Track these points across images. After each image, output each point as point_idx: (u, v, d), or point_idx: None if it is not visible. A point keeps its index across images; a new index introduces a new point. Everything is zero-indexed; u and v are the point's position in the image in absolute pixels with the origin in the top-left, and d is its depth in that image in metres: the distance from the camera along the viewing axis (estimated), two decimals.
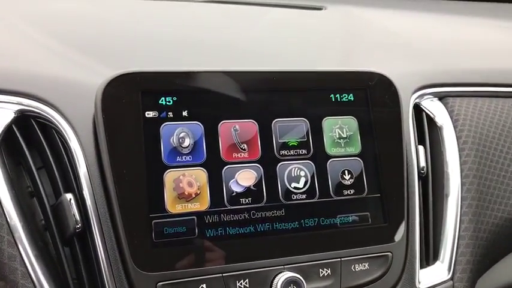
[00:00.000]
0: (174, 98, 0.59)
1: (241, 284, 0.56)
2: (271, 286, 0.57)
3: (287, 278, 0.56)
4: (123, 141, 0.56)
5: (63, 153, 0.58)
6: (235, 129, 0.61)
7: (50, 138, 0.59)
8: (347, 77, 0.66)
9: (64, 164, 0.58)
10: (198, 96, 0.60)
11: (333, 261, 0.60)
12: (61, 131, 0.58)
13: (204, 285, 0.55)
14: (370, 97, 0.66)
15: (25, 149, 0.58)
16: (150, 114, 0.58)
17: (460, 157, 0.73)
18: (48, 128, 0.60)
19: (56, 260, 0.56)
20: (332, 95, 0.65)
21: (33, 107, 0.59)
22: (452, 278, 0.67)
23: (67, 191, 0.57)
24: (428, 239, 0.69)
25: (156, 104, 0.58)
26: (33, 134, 0.59)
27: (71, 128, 0.58)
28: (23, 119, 0.59)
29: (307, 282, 0.57)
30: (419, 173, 0.70)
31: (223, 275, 0.56)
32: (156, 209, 0.55)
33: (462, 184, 0.71)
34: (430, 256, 0.69)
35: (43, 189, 0.58)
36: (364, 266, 0.61)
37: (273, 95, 0.63)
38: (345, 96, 0.66)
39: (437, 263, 0.68)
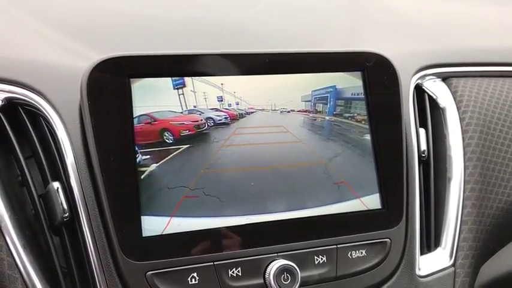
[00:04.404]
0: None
1: (233, 272, 0.55)
2: (264, 274, 0.55)
3: (280, 266, 0.55)
4: (109, 128, 0.54)
5: (51, 141, 0.57)
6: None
7: (38, 126, 0.58)
8: (344, 58, 0.64)
9: (52, 152, 0.57)
10: (187, 78, 0.58)
11: (329, 248, 0.58)
12: (48, 118, 0.57)
13: (195, 274, 0.54)
14: (368, 78, 0.64)
15: (13, 137, 0.57)
16: None
17: (463, 139, 0.70)
18: (36, 116, 0.58)
19: (45, 249, 0.55)
20: None
21: (20, 94, 0.57)
22: (454, 265, 0.65)
23: (55, 180, 0.56)
24: (430, 225, 0.67)
25: None
26: (21, 122, 0.58)
27: (58, 115, 0.57)
28: (10, 106, 0.58)
29: (302, 270, 0.56)
30: (419, 156, 0.68)
31: (215, 263, 0.54)
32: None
33: (465, 167, 0.69)
34: (431, 242, 0.67)
35: (31, 178, 0.56)
36: (361, 253, 0.59)
37: (266, 77, 0.61)
38: None
39: (439, 249, 0.66)
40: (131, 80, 0.55)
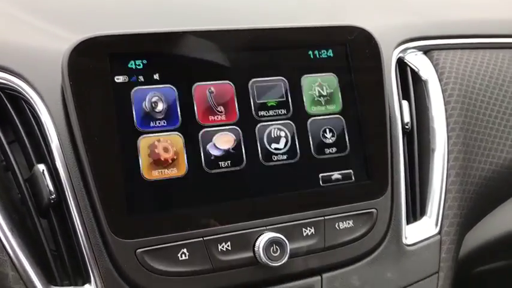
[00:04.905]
0: (144, 61, 0.57)
1: (223, 247, 0.55)
2: (253, 248, 0.56)
3: (269, 238, 0.56)
4: (93, 109, 0.54)
5: (34, 125, 0.57)
6: (211, 91, 0.59)
7: (20, 110, 0.58)
8: (325, 32, 0.64)
9: (36, 136, 0.57)
10: (169, 58, 0.57)
11: (316, 220, 0.59)
12: (30, 102, 0.56)
13: (185, 250, 0.54)
14: (350, 52, 0.64)
15: None
16: (119, 79, 0.55)
17: (446, 110, 0.71)
18: (18, 100, 0.58)
19: (33, 232, 0.55)
20: (310, 52, 0.63)
21: (1, 79, 0.57)
22: (439, 233, 0.66)
23: (40, 163, 0.55)
24: (415, 195, 0.68)
25: (126, 68, 0.56)
26: (3, 108, 0.58)
27: (40, 98, 0.56)
28: None
29: (291, 242, 0.56)
30: (403, 128, 0.69)
31: (204, 238, 0.55)
32: (131, 176, 0.54)
33: (448, 138, 0.70)
34: (416, 212, 0.68)
35: (15, 162, 0.56)
36: (349, 223, 0.60)
37: (248, 54, 0.61)
38: (323, 52, 0.64)
39: (424, 218, 0.67)
40: (111, 58, 0.55)
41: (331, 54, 0.64)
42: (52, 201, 0.54)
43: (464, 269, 1.04)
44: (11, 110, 0.57)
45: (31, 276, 0.52)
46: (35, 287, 0.51)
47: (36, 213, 0.55)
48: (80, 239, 0.53)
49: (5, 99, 0.57)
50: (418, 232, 0.66)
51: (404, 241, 0.64)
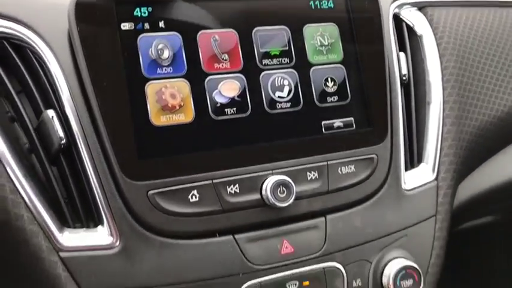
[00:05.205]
0: (150, 9, 0.57)
1: (231, 189, 0.57)
2: (261, 190, 0.58)
3: (276, 180, 0.57)
4: (101, 56, 0.55)
5: (42, 73, 0.57)
6: (215, 40, 0.60)
7: (26, 60, 0.58)
8: None
9: (43, 84, 0.57)
10: (174, 6, 0.58)
11: (320, 165, 0.61)
12: (37, 50, 0.57)
13: (195, 192, 0.56)
14: (350, 3, 0.66)
15: (2, 73, 0.57)
16: (125, 26, 0.56)
17: (441, 63, 0.73)
18: (23, 49, 0.58)
19: (44, 180, 0.56)
20: (311, 2, 0.64)
21: (6, 27, 0.57)
22: (436, 178, 0.69)
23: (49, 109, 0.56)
24: (413, 143, 0.71)
25: (131, 15, 0.56)
26: (8, 58, 0.58)
27: (48, 46, 0.56)
28: None
29: (296, 185, 0.58)
30: (401, 79, 0.70)
31: (213, 181, 0.56)
32: (140, 121, 0.55)
33: (443, 89, 0.72)
34: (414, 159, 0.70)
35: (25, 111, 0.57)
36: (351, 168, 0.62)
37: (251, 3, 0.62)
38: (324, 2, 0.65)
39: (422, 165, 0.70)
40: (117, 6, 0.56)
41: (332, 5, 0.65)
42: (62, 146, 0.55)
43: (454, 224, 1.08)
44: (17, 60, 0.57)
45: (45, 218, 0.53)
46: (49, 228, 0.53)
47: (47, 159, 0.56)
48: (92, 183, 0.54)
49: (10, 49, 0.58)
50: (416, 178, 0.68)
51: (403, 186, 0.66)
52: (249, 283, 0.56)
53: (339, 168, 0.62)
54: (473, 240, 1.24)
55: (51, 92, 0.56)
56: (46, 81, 0.57)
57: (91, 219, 0.56)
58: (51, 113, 0.55)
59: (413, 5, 0.77)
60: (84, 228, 0.55)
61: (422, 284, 0.62)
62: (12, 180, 0.53)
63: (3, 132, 0.55)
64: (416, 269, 0.61)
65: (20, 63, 0.57)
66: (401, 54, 0.72)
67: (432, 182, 0.68)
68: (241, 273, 0.56)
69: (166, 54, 0.58)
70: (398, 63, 0.71)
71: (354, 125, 0.64)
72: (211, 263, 0.56)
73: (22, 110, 0.56)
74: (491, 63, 0.78)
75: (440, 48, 0.74)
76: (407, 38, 0.75)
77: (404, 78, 0.71)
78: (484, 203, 0.90)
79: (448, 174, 0.69)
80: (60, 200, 0.55)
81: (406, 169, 0.68)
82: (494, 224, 1.18)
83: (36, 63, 0.57)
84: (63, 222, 0.55)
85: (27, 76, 0.57)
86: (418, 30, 0.76)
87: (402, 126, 0.68)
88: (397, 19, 0.75)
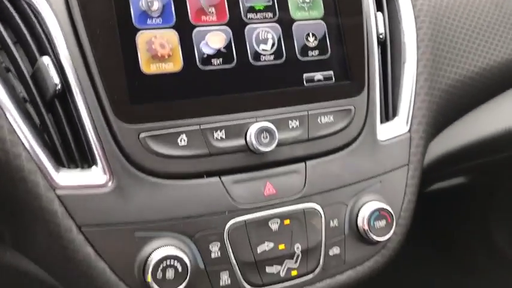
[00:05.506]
0: None
1: (217, 135, 0.61)
2: (245, 136, 0.62)
3: (260, 127, 0.61)
4: (94, 5, 0.57)
5: (37, 23, 0.59)
6: None
7: (21, 12, 0.60)
8: None
9: (38, 34, 0.59)
10: None
11: (301, 115, 0.65)
12: (32, 2, 0.59)
13: (184, 136, 0.59)
14: None
15: None
16: None
17: (416, 23, 0.78)
18: (18, 1, 0.60)
19: (40, 126, 0.59)
20: None
21: None
22: (409, 131, 0.73)
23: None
24: (388, 99, 0.75)
25: None
26: (2, 10, 0.60)
27: None
28: None
29: (279, 132, 0.62)
30: (378, 37, 0.74)
31: (201, 127, 0.60)
32: (132, 69, 0.58)
33: (418, 48, 0.76)
34: (389, 113, 0.75)
35: (21, 60, 0.59)
36: (329, 118, 0.66)
37: None
38: None
39: (396, 118, 0.74)
40: None
41: None
42: (57, 92, 0.58)
43: (426, 183, 1.14)
44: (12, 10, 0.59)
45: (41, 158, 0.56)
46: (45, 167, 0.56)
47: (43, 105, 0.58)
48: (86, 126, 0.57)
49: (4, 0, 0.59)
50: (391, 130, 0.73)
51: (379, 137, 0.71)
52: (234, 220, 0.60)
53: (319, 118, 0.66)
54: (445, 201, 1.31)
55: (46, 41, 0.59)
56: (41, 31, 0.59)
57: (85, 161, 0.59)
58: (46, 59, 0.58)
59: None
60: (79, 169, 0.58)
61: (394, 225, 0.67)
62: (10, 122, 0.55)
63: (0, 78, 0.57)
64: (389, 211, 0.66)
65: (15, 14, 0.59)
66: (379, 14, 0.76)
67: (405, 134, 0.73)
68: (227, 211, 0.60)
69: (156, 5, 0.60)
70: (375, 22, 0.75)
71: (333, 78, 0.68)
72: (199, 202, 0.60)
73: (18, 59, 0.59)
74: (464, 26, 0.83)
75: (415, 10, 0.78)
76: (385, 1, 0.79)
77: (381, 36, 0.75)
78: (455, 160, 0.96)
79: (420, 126, 0.74)
80: (55, 143, 0.58)
81: (382, 122, 0.73)
82: (465, 185, 1.24)
83: (31, 14, 0.59)
84: (59, 164, 0.58)
85: (22, 26, 0.59)
86: None
87: (378, 81, 0.72)
88: None
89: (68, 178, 0.57)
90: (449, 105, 0.80)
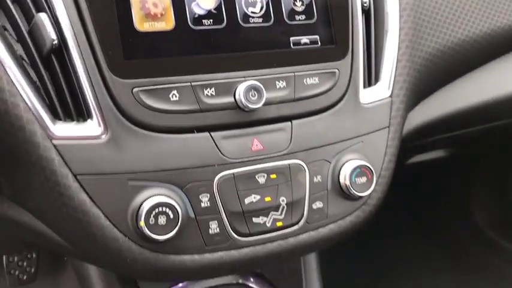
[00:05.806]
0: None
1: (208, 92, 0.64)
2: (234, 94, 0.65)
3: (249, 85, 0.64)
4: None
5: None
6: None
7: None
8: None
9: None
10: None
11: (288, 75, 0.68)
12: None
13: (175, 92, 0.62)
14: None
15: None
16: None
17: None
18: None
19: (38, 81, 0.61)
20: None
21: None
22: (391, 96, 0.77)
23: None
24: (371, 66, 0.78)
25: None
26: None
27: None
28: None
29: (266, 91, 0.65)
30: (362, 6, 0.77)
31: (192, 83, 0.63)
32: (126, 26, 0.60)
33: (400, 16, 0.80)
34: (372, 79, 0.78)
35: (18, 16, 0.61)
36: (315, 80, 0.70)
37: None
38: None
39: (378, 84, 0.77)
40: None
41: None
42: (54, 47, 0.60)
43: (406, 155, 1.18)
44: None
45: (38, 109, 0.58)
46: (42, 118, 0.58)
47: (40, 60, 0.60)
48: (82, 80, 0.59)
49: None
50: (373, 94, 0.76)
51: (361, 100, 0.74)
52: (223, 173, 0.64)
53: (305, 79, 0.69)
54: (424, 173, 1.36)
55: None
56: None
57: (81, 115, 0.61)
58: (43, 15, 0.60)
59: None
60: (75, 122, 0.61)
61: (374, 182, 0.71)
62: (8, 74, 0.57)
63: None
64: (369, 168, 0.70)
65: None
66: None
67: (387, 99, 0.77)
68: (217, 164, 0.63)
69: None
70: None
71: (319, 42, 0.71)
72: (190, 155, 0.63)
73: (16, 15, 0.61)
74: None
75: None
76: None
77: (365, 5, 0.78)
78: (434, 131, 1.00)
79: (401, 91, 0.78)
80: (52, 98, 0.60)
81: (365, 87, 0.76)
82: (446, 159, 1.29)
83: None
84: (56, 117, 0.60)
85: None
86: None
87: (362, 48, 0.75)
88: None
89: (64, 130, 0.59)
90: (431, 74, 0.84)
